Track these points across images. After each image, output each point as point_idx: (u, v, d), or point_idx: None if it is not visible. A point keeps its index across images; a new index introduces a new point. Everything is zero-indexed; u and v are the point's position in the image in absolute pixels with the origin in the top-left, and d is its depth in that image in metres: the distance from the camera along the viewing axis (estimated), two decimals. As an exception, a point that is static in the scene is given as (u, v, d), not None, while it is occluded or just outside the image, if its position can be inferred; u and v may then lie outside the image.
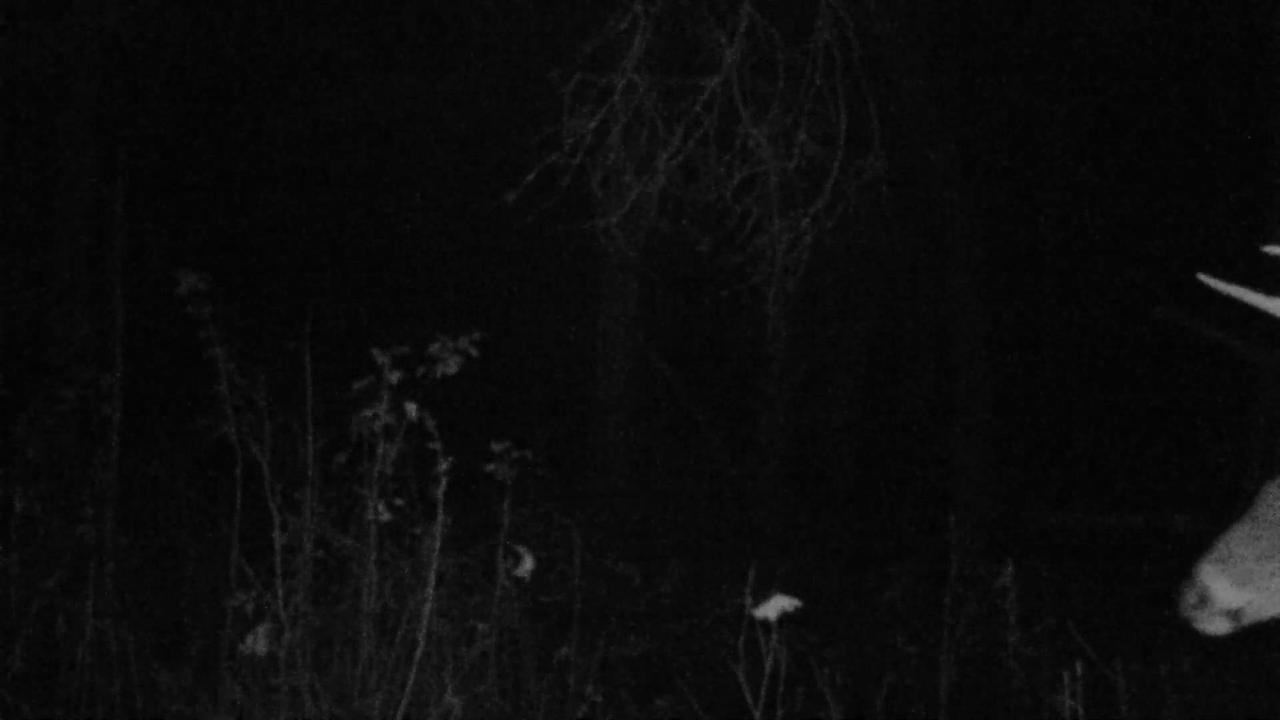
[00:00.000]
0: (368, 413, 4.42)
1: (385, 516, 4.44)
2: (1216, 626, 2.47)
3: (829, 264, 8.23)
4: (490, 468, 4.61)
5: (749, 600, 3.88)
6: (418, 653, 4.28)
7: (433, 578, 4.33)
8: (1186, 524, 8.08)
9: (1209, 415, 10.74)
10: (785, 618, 3.86)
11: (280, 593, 4.32)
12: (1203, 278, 2.88)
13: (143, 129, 9.98)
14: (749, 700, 4.13)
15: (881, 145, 6.20)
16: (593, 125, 5.97)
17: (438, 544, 4.33)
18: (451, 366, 4.49)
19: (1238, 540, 2.47)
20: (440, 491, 4.29)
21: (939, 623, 5.56)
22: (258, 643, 4.28)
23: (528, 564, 4.59)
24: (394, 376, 4.36)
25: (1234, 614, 2.48)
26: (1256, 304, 2.84)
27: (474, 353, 4.53)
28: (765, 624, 3.87)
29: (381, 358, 4.36)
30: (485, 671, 4.68)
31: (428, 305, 10.41)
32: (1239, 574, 2.45)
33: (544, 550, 5.49)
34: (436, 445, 4.30)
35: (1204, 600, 2.45)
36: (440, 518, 4.32)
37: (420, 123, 10.47)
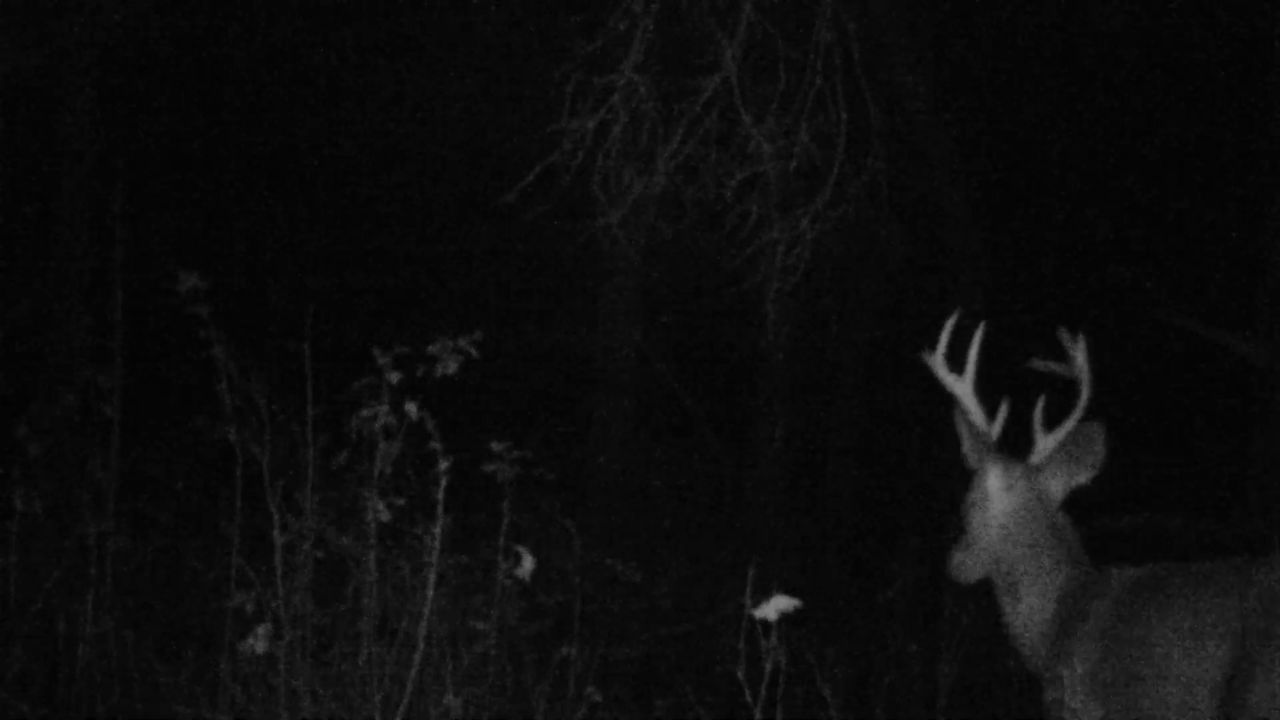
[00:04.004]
0: (368, 413, 4.42)
1: (385, 516, 4.44)
2: None
3: (829, 264, 8.23)
4: (490, 468, 4.61)
5: (749, 600, 3.88)
6: (418, 653, 4.28)
7: (433, 578, 4.33)
8: (1186, 524, 8.08)
9: (1209, 415, 10.74)
10: (785, 618, 3.86)
11: (280, 593, 4.32)
12: (925, 355, 3.54)
13: (143, 129, 9.98)
14: (749, 700, 4.13)
15: (881, 145, 6.20)
16: (593, 125, 5.97)
17: (437, 544, 4.33)
18: (451, 366, 4.49)
19: None
20: (440, 491, 4.29)
21: (939, 623, 5.56)
22: (258, 643, 4.28)
23: (528, 564, 4.58)
24: (394, 376, 4.36)
25: None
26: (941, 378, 3.52)
27: (474, 353, 4.53)
28: (765, 624, 3.87)
29: (381, 358, 4.36)
30: (485, 671, 4.68)
31: (428, 305, 10.42)
32: None
33: (544, 550, 5.49)
34: (436, 445, 4.30)
35: None
36: (440, 518, 4.32)
37: (420, 123, 10.47)
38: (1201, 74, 10.57)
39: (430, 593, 4.33)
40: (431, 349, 4.49)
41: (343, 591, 4.56)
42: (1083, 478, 3.59)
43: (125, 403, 5.09)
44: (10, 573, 4.91)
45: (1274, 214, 8.39)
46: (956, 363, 3.55)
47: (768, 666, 4.08)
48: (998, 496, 3.51)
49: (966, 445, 3.58)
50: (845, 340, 11.36)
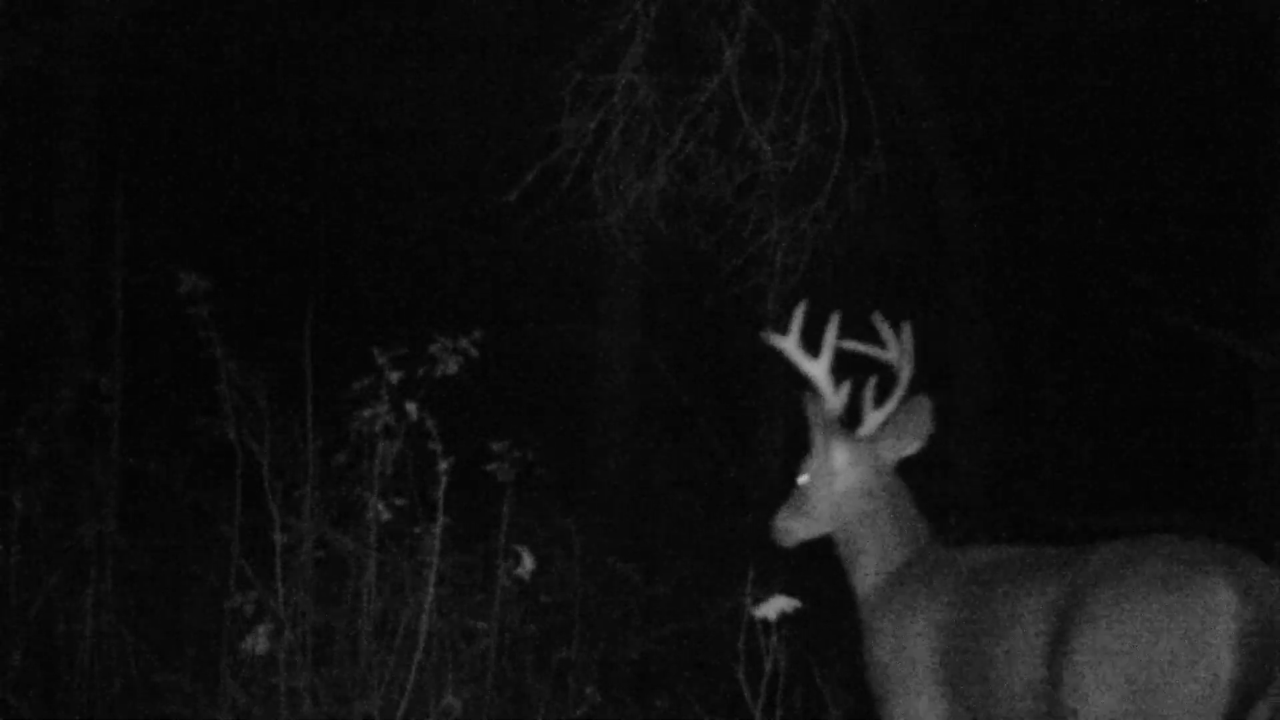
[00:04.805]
0: (368, 413, 4.42)
1: (385, 516, 4.45)
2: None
3: (829, 264, 8.23)
4: (490, 468, 4.61)
5: (749, 600, 3.88)
6: (418, 653, 4.29)
7: (433, 578, 4.33)
8: (1186, 524, 8.07)
9: (1209, 416, 10.74)
10: (785, 618, 3.86)
11: (280, 593, 4.32)
12: (764, 335, 3.92)
13: (143, 129, 9.98)
14: (749, 700, 4.14)
15: (881, 145, 6.19)
16: (593, 125, 5.96)
17: (438, 544, 4.34)
18: (451, 366, 4.49)
19: None
20: (440, 491, 4.29)
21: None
22: (258, 643, 4.28)
23: (528, 564, 4.59)
24: (394, 376, 4.36)
25: None
26: (798, 362, 3.89)
27: (474, 353, 4.53)
28: (765, 624, 3.87)
29: (381, 358, 4.36)
30: (485, 671, 4.68)
31: (428, 305, 10.41)
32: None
33: (544, 550, 5.49)
34: (436, 445, 4.30)
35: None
36: (440, 518, 4.32)
37: (420, 122, 10.47)
38: (1202, 73, 10.57)
39: (430, 593, 4.33)
40: (431, 349, 4.49)
41: (343, 591, 4.56)
42: (910, 448, 3.87)
43: (125, 403, 5.08)
44: (10, 573, 4.91)
45: (1274, 214, 8.40)
46: (811, 347, 3.89)
47: (768, 666, 4.08)
48: (844, 471, 3.83)
49: (815, 424, 3.87)
50: (845, 339, 11.34)
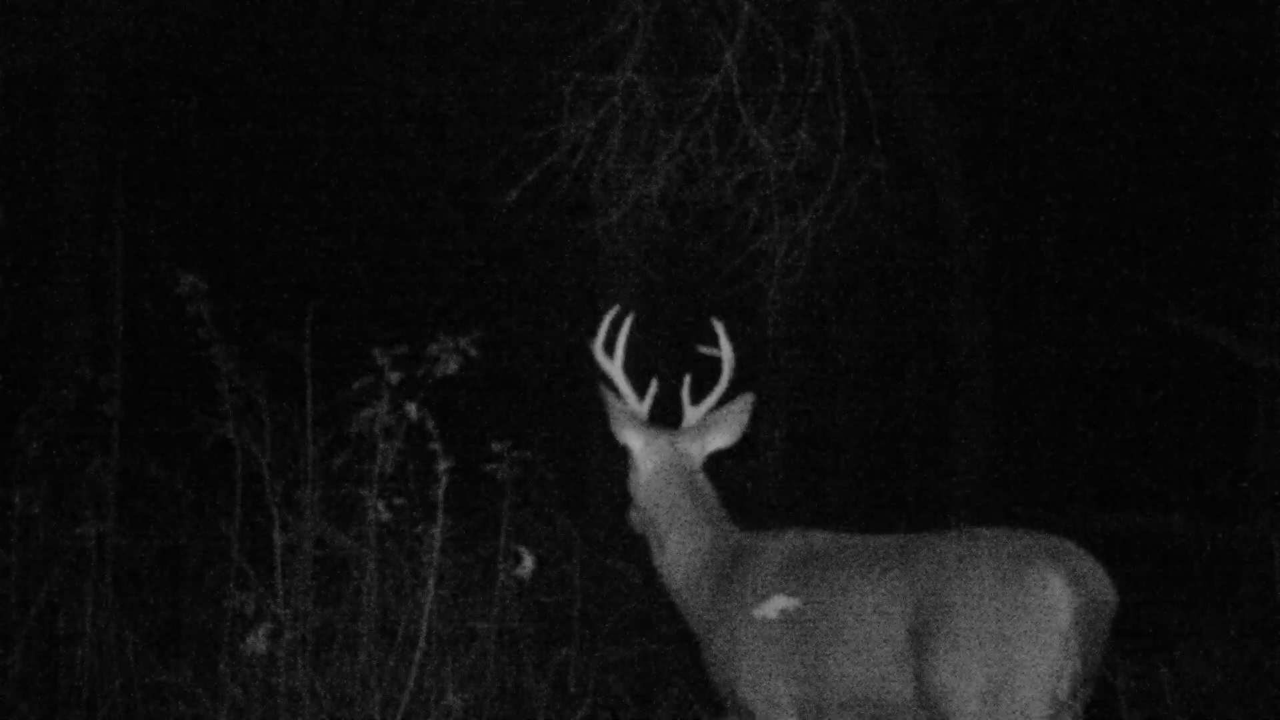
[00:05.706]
0: (368, 413, 4.42)
1: (385, 516, 4.45)
2: None
3: (829, 264, 8.23)
4: (490, 468, 4.61)
5: (749, 600, 3.88)
6: (418, 653, 4.29)
7: (433, 578, 4.33)
8: (1186, 524, 8.07)
9: (1209, 417, 10.74)
10: (785, 617, 3.85)
11: (280, 593, 4.32)
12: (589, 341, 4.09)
13: (143, 129, 9.99)
14: (749, 700, 4.13)
15: (881, 145, 6.19)
16: (593, 125, 5.96)
17: (438, 544, 4.34)
18: (451, 366, 4.49)
19: None
20: (440, 491, 4.29)
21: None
22: (258, 643, 4.28)
23: (528, 564, 4.59)
24: (394, 376, 4.36)
25: None
26: (599, 362, 4.10)
27: (474, 353, 4.54)
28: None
29: (381, 358, 4.37)
30: (485, 671, 4.68)
31: (428, 305, 10.42)
32: None
33: (544, 550, 5.49)
34: (436, 445, 4.31)
35: None
36: (440, 518, 4.32)
37: (420, 123, 10.47)
38: (1203, 73, 10.57)
39: (430, 593, 4.33)
40: (431, 349, 4.50)
41: (343, 591, 4.56)
42: (721, 442, 4.14)
43: (125, 403, 5.08)
44: (10, 573, 4.90)
45: (1274, 214, 8.39)
46: (610, 348, 4.12)
47: (768, 666, 4.07)
48: (642, 461, 4.05)
49: (615, 418, 4.07)
50: (845, 340, 11.36)
